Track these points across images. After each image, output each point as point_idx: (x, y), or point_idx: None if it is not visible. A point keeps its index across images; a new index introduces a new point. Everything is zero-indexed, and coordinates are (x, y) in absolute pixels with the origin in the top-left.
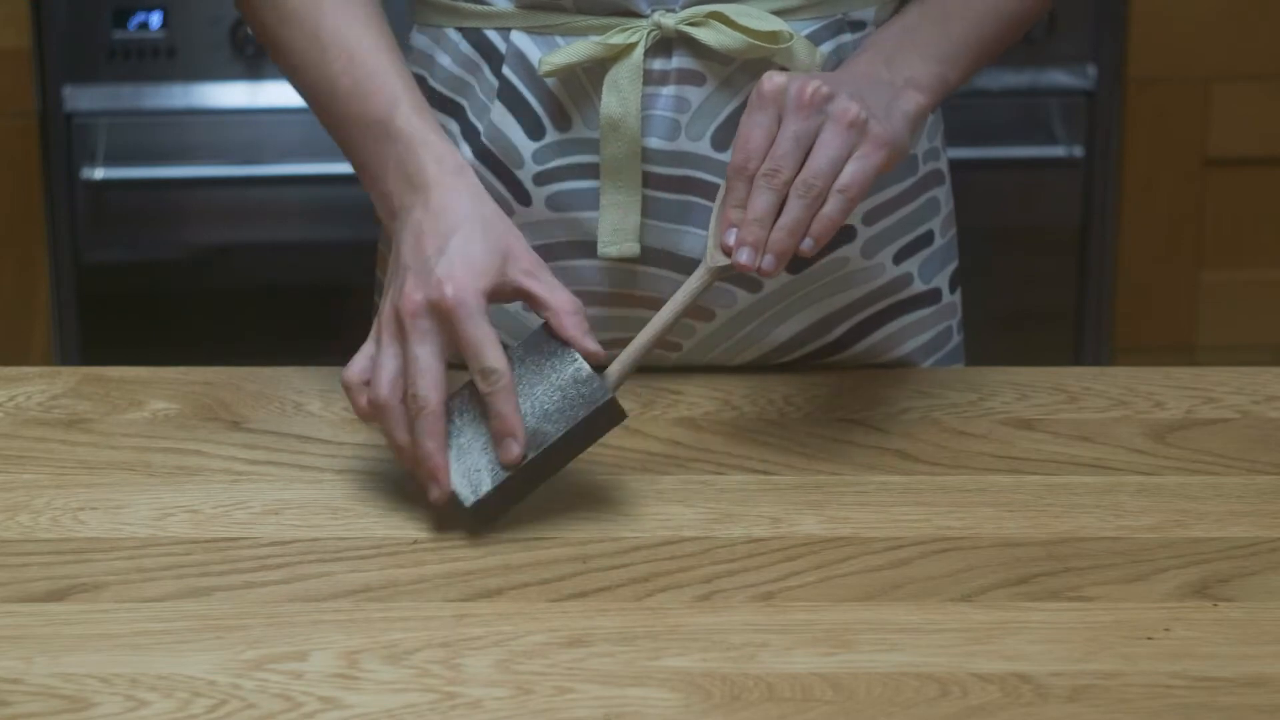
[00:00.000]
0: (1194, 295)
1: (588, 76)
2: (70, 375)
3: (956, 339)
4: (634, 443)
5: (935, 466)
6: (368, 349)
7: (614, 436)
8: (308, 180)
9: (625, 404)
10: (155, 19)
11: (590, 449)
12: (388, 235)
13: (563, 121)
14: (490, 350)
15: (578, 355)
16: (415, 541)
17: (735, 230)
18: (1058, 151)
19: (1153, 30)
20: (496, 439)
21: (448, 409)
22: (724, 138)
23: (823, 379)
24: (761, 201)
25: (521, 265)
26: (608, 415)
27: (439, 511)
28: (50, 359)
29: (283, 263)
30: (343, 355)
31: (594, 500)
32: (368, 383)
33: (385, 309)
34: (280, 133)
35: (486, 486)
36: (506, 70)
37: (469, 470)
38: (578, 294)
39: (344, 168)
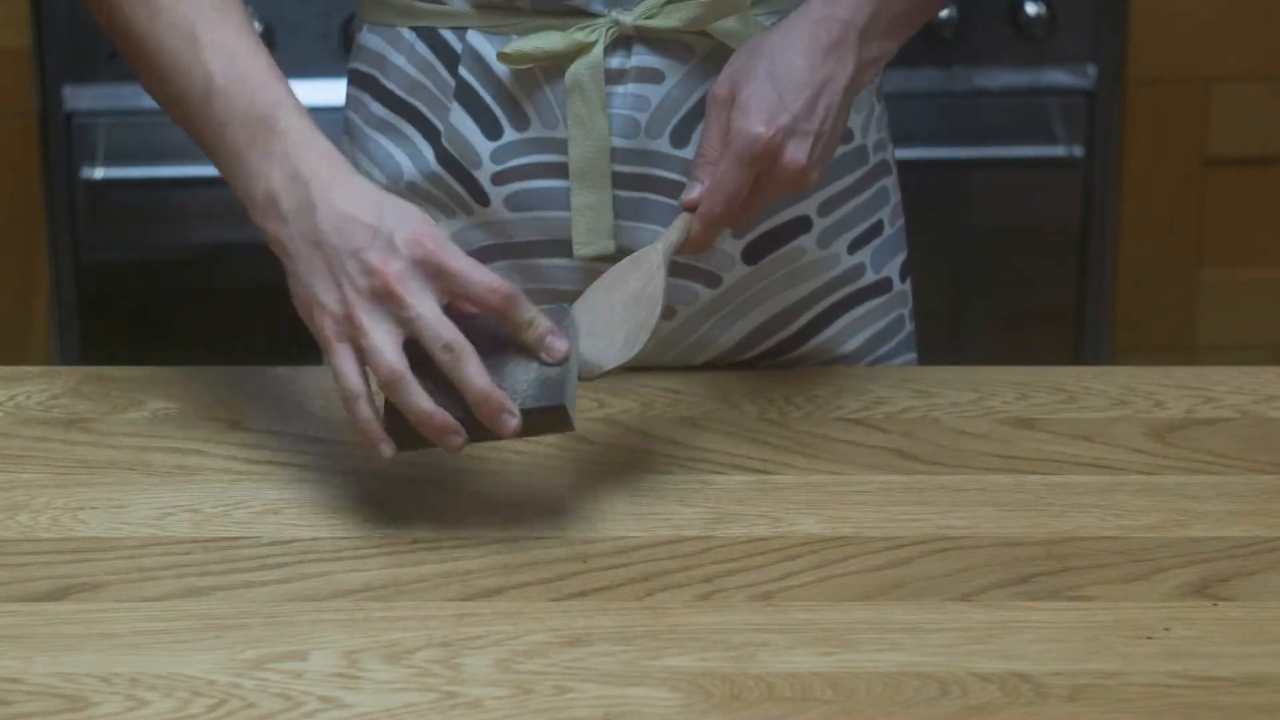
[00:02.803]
0: (1194, 295)
1: (545, 75)
2: (70, 375)
3: (909, 328)
4: (634, 443)
5: (935, 466)
6: (346, 362)
7: (615, 436)
8: None
9: (625, 404)
10: None
11: (591, 448)
12: (268, 238)
13: (520, 121)
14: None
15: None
16: (415, 541)
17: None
18: (1058, 151)
19: (1153, 30)
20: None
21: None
22: (683, 134)
23: (823, 379)
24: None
25: None
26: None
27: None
28: (50, 359)
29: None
30: None
31: (594, 500)
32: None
33: (337, 309)
34: None
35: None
36: (463, 70)
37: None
38: (547, 293)
39: None
